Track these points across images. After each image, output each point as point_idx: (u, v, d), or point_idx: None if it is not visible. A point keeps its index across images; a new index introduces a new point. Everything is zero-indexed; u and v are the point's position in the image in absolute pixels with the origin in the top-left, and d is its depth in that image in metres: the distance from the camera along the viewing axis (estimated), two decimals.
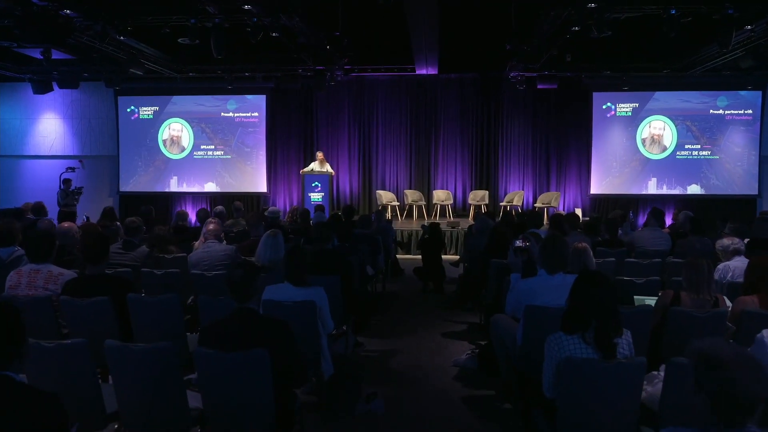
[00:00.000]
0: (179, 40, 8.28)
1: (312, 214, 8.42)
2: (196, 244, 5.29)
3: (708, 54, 9.40)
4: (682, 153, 11.98)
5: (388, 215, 11.01)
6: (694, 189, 11.95)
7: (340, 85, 11.71)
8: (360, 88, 12.51)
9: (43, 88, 11.01)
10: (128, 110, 12.82)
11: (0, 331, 1.71)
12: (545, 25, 8.11)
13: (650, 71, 10.89)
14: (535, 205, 11.77)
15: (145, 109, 12.81)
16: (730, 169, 11.88)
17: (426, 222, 9.26)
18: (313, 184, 10.99)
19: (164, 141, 12.80)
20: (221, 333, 2.58)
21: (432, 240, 7.61)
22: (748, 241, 4.71)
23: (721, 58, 9.19)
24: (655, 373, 2.78)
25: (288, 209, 10.19)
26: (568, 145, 12.25)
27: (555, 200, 11.61)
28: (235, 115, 12.69)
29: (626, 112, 12.09)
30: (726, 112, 11.86)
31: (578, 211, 11.39)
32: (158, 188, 12.79)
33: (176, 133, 12.79)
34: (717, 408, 1.49)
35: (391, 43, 10.29)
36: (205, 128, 12.72)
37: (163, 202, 12.54)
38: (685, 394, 2.17)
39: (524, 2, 8.50)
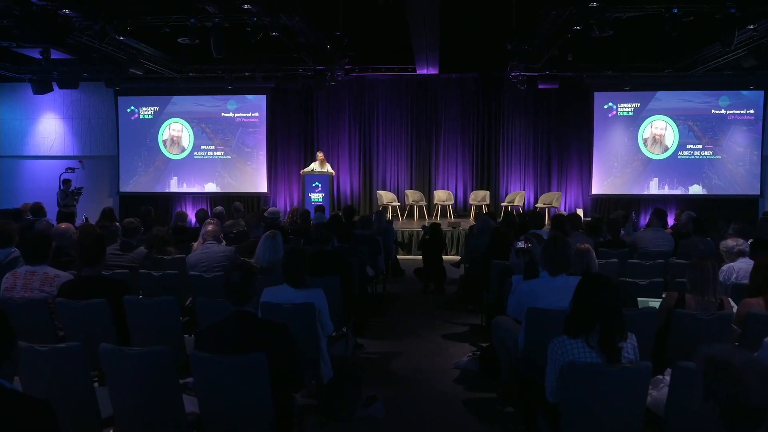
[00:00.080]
0: (179, 40, 8.25)
1: (312, 215, 8.37)
2: (195, 245, 5.25)
3: (710, 53, 9.36)
4: (684, 153, 11.93)
5: (389, 215, 10.98)
6: (695, 189, 11.90)
7: (340, 85, 11.67)
8: (360, 88, 12.47)
9: (43, 88, 10.97)
10: (128, 110, 12.79)
11: None
12: (546, 24, 8.06)
13: (652, 71, 10.84)
14: (537, 205, 11.72)
15: (145, 109, 12.78)
16: (732, 169, 11.82)
17: (427, 222, 9.22)
18: (313, 185, 10.95)
19: (164, 141, 12.76)
20: (218, 336, 2.53)
21: (433, 241, 7.57)
22: (752, 242, 4.66)
23: (723, 57, 9.14)
24: (660, 377, 2.73)
25: (288, 210, 10.14)
26: (569, 145, 12.20)
27: (556, 200, 11.57)
28: (236, 115, 12.66)
29: (628, 111, 12.05)
30: (728, 111, 11.81)
31: (579, 212, 11.33)
32: (158, 189, 12.75)
33: (176, 133, 12.75)
34: (727, 415, 1.44)
35: (391, 43, 10.25)
36: (205, 128, 12.69)
37: (164, 202, 12.51)
38: (692, 399, 2.13)
39: (525, 1, 8.47)
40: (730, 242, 4.40)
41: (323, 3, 8.87)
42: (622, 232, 6.35)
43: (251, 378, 2.38)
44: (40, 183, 12.32)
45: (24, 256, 3.69)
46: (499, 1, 8.84)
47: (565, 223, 5.76)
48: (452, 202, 12.02)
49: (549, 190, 12.09)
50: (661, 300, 3.62)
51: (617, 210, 9.01)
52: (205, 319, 3.49)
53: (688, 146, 11.92)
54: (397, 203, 11.95)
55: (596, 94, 11.97)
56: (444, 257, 7.73)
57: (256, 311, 2.97)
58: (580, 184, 12.23)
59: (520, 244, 4.00)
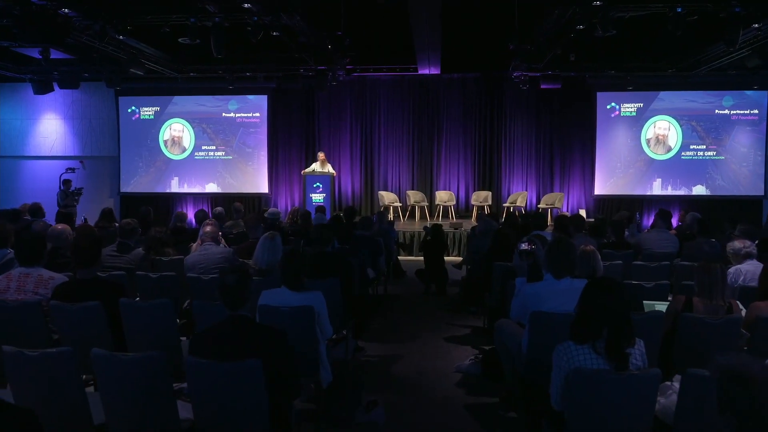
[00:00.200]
0: (179, 40, 8.20)
1: (313, 215, 8.31)
2: (194, 246, 5.19)
3: (713, 53, 9.28)
4: (687, 153, 11.84)
5: (390, 216, 10.92)
6: (699, 190, 11.82)
7: (341, 85, 11.62)
8: (362, 88, 12.42)
9: (43, 88, 10.93)
10: (129, 110, 12.75)
11: None
12: (549, 24, 8.01)
13: (655, 71, 10.77)
14: (539, 206, 11.64)
15: (146, 109, 12.73)
16: (736, 169, 11.74)
17: (428, 223, 9.16)
18: (314, 185, 10.89)
19: (165, 141, 12.72)
20: (213, 341, 2.47)
21: (434, 242, 7.50)
22: (758, 243, 4.58)
23: (727, 57, 9.07)
24: (668, 383, 2.65)
25: (289, 210, 10.09)
26: (571, 145, 12.13)
27: (559, 201, 11.49)
28: (237, 115, 12.61)
29: (631, 112, 11.97)
30: (732, 112, 11.72)
31: (582, 212, 11.26)
32: (159, 189, 12.71)
33: (177, 133, 12.71)
34: (744, 428, 1.37)
35: (393, 43, 10.19)
36: (206, 129, 12.64)
37: (164, 203, 12.47)
38: (705, 410, 2.06)
39: (528, 1, 8.40)
40: (737, 244, 4.33)
41: (324, 2, 8.82)
42: (626, 233, 6.28)
43: (247, 384, 2.32)
44: (40, 183, 12.29)
45: (17, 257, 3.62)
46: (502, 1, 8.77)
47: (568, 224, 5.69)
48: (454, 202, 11.96)
49: (551, 191, 12.02)
50: (667, 303, 3.55)
51: (620, 211, 8.94)
52: (202, 322, 3.42)
53: (691, 146, 11.83)
54: (398, 204, 11.89)
55: (599, 94, 11.90)
56: (445, 258, 7.66)
57: (253, 315, 2.90)
58: (582, 184, 12.15)
59: (524, 246, 3.92)
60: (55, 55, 8.99)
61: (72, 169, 11.65)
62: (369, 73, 11.89)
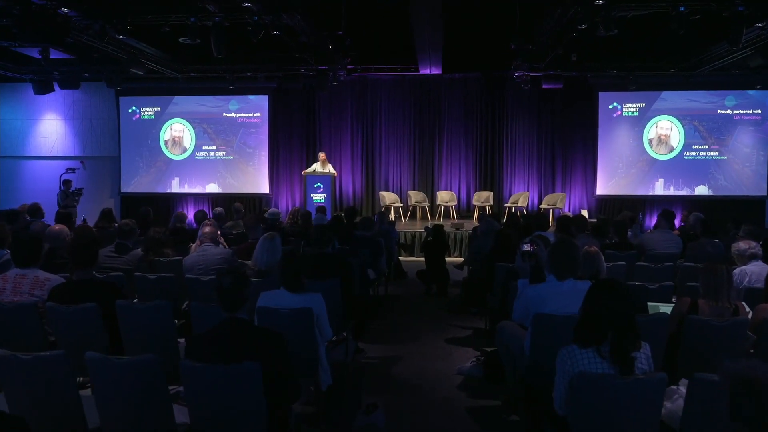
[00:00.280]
0: (180, 40, 8.16)
1: (313, 216, 8.27)
2: (193, 247, 5.15)
3: (716, 53, 9.23)
4: (690, 153, 11.78)
5: (391, 217, 10.88)
6: (701, 190, 11.76)
7: (342, 85, 11.57)
8: (363, 87, 12.38)
9: (43, 88, 10.91)
10: (129, 111, 12.72)
11: None
12: (550, 23, 7.96)
13: (657, 70, 10.71)
14: (541, 206, 11.59)
15: (146, 109, 12.70)
16: (739, 169, 11.67)
17: (429, 224, 9.11)
18: (315, 185, 10.86)
19: (166, 141, 12.69)
20: (210, 344, 2.42)
21: (435, 242, 7.46)
22: (763, 243, 4.53)
23: (730, 57, 9.02)
24: (675, 387, 2.60)
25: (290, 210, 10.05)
26: (573, 145, 12.08)
27: (560, 201, 11.44)
28: (237, 115, 12.58)
29: (633, 112, 11.91)
30: (734, 111, 11.66)
31: (584, 213, 11.20)
32: (159, 189, 12.68)
33: (178, 133, 12.68)
34: None
35: (394, 43, 10.15)
36: (207, 129, 12.61)
37: (165, 203, 12.44)
38: (713, 416, 2.01)
39: (529, 0, 8.35)
40: (742, 245, 4.28)
41: (325, 2, 8.78)
42: (629, 233, 6.22)
43: (244, 388, 2.28)
44: (41, 184, 12.26)
45: (14, 258, 3.58)
46: (503, 0, 8.72)
47: (570, 224, 5.64)
48: (455, 203, 11.91)
49: (553, 191, 11.96)
50: (671, 305, 3.50)
51: (622, 211, 8.88)
52: (199, 324, 3.38)
53: (693, 147, 11.77)
54: (399, 204, 11.84)
55: (601, 94, 11.84)
56: (447, 259, 7.61)
57: (250, 317, 2.86)
58: (584, 184, 12.10)
59: (526, 247, 3.87)
60: (55, 55, 8.96)
61: (72, 170, 11.62)
62: (370, 73, 11.85)
